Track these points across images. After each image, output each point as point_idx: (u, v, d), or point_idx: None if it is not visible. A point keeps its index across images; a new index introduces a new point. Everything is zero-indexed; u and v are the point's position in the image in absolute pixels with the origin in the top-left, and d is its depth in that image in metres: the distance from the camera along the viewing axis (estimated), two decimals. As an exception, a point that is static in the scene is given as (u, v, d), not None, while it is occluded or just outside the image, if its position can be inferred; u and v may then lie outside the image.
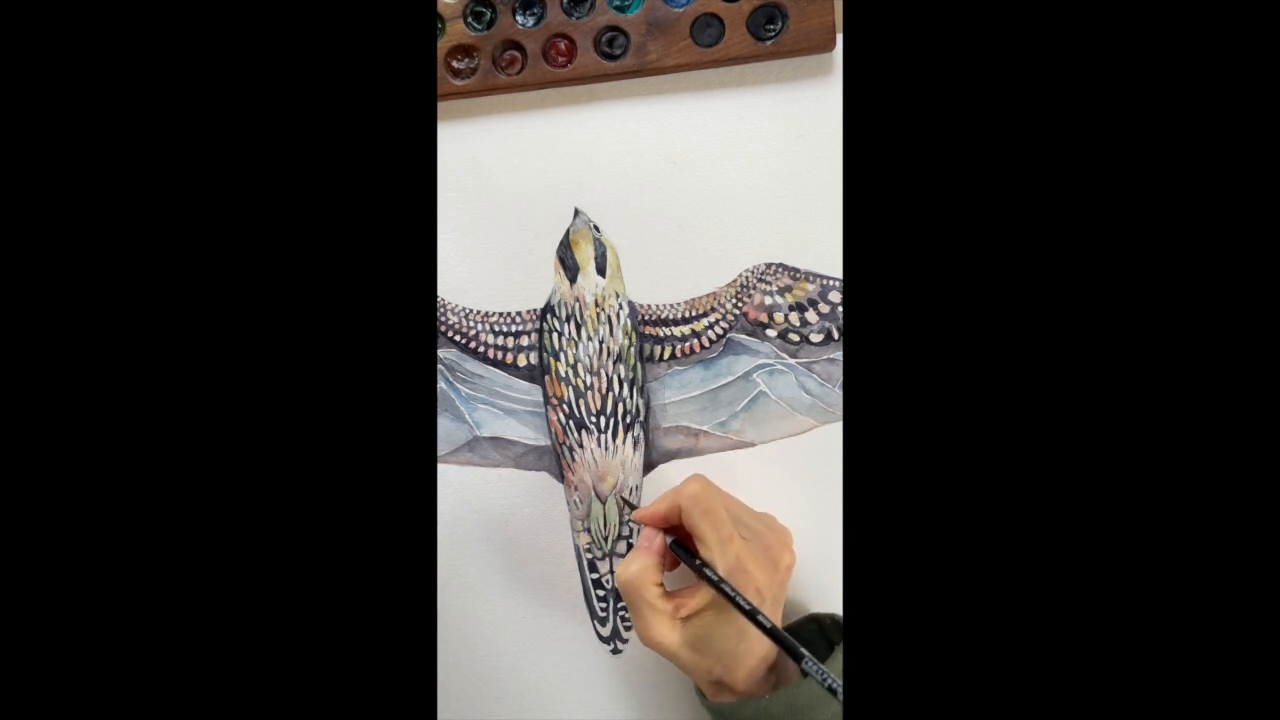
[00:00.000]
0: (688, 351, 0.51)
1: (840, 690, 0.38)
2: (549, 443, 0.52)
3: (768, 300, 0.50)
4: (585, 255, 0.50)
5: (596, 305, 0.51)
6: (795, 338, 0.50)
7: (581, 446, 0.52)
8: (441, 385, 0.53)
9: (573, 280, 0.51)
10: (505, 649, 0.54)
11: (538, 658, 0.54)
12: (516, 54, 0.49)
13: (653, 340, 0.51)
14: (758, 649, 0.44)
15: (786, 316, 0.50)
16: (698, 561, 0.44)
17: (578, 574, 0.54)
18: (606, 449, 0.52)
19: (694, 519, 0.44)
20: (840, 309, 0.50)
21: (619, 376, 0.51)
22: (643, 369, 0.51)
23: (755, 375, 0.51)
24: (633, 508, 0.52)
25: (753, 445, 0.51)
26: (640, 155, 0.50)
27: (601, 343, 0.51)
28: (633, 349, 0.51)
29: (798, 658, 0.40)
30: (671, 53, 0.48)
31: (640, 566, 0.44)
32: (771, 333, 0.50)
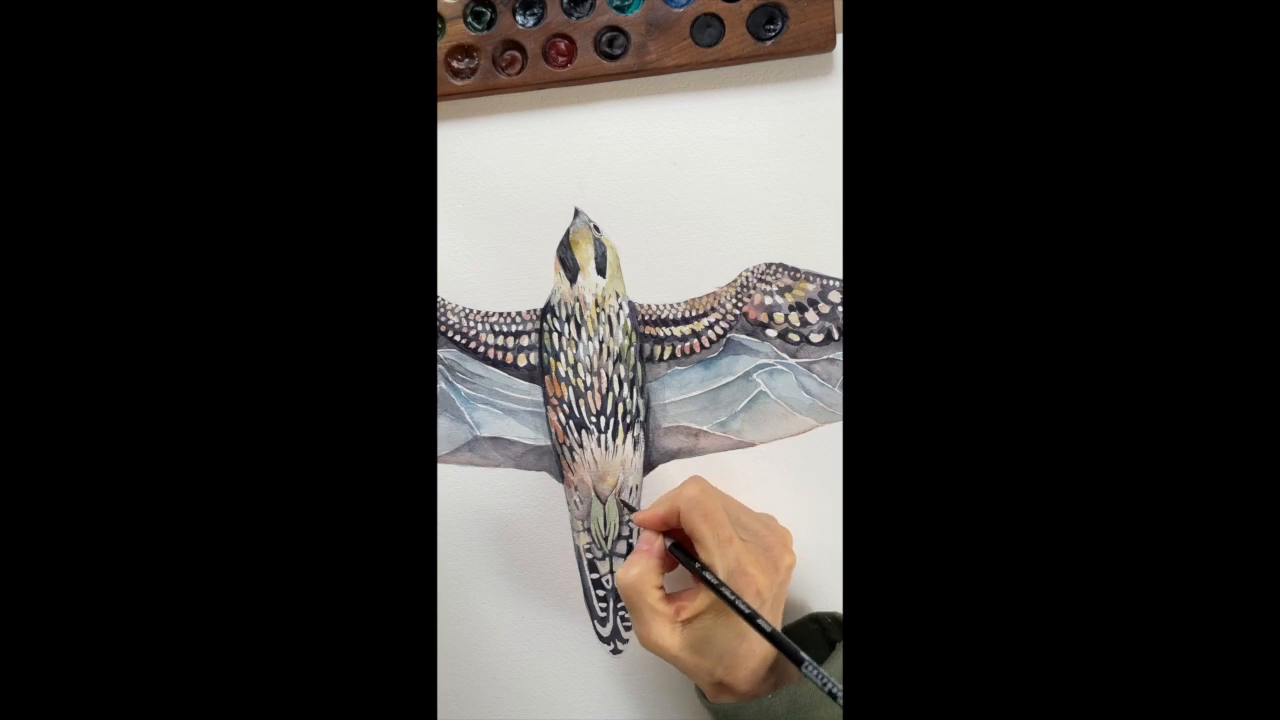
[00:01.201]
0: (688, 351, 0.51)
1: (840, 694, 0.38)
2: (549, 443, 0.52)
3: (768, 300, 0.50)
4: (585, 255, 0.50)
5: (596, 305, 0.51)
6: (795, 338, 0.50)
7: (581, 446, 0.52)
8: (441, 385, 0.53)
9: (573, 280, 0.51)
10: (505, 649, 0.54)
11: (538, 658, 0.54)
12: (516, 54, 0.49)
13: (653, 340, 0.51)
14: (758, 650, 0.44)
15: (786, 316, 0.50)
16: (697, 565, 0.44)
17: (578, 574, 0.54)
18: (606, 449, 0.52)
19: (693, 522, 0.44)
20: (840, 309, 0.50)
21: (619, 376, 0.51)
22: (643, 369, 0.51)
23: (755, 375, 0.51)
24: (632, 510, 0.52)
25: (752, 445, 0.51)
26: (640, 155, 0.50)
27: (601, 343, 0.51)
28: (633, 349, 0.51)
29: (798, 662, 0.40)
30: (671, 53, 0.48)
31: (641, 570, 0.44)
32: (771, 333, 0.50)
